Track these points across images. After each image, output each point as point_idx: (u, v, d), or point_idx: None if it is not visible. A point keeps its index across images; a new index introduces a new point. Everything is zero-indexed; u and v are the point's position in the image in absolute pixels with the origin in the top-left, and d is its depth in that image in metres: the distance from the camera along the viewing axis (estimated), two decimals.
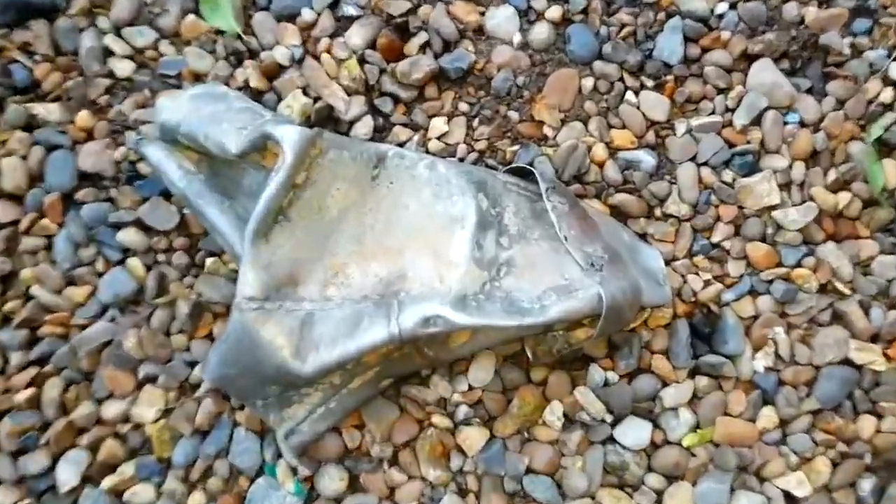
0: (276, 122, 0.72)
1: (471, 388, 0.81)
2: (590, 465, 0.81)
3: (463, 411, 0.81)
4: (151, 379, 0.82)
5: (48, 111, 0.85)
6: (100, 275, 0.83)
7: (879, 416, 0.82)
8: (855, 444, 0.82)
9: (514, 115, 0.86)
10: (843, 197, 0.84)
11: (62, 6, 0.88)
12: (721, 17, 0.88)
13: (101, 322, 0.82)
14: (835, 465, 0.82)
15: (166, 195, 0.83)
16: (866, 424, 0.82)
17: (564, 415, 0.81)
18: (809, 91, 0.87)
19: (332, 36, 0.87)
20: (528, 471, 0.81)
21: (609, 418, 0.80)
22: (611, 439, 0.81)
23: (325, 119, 0.85)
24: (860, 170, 0.84)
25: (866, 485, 0.82)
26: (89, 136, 0.85)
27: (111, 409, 0.82)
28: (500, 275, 0.73)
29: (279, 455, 0.81)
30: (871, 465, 0.82)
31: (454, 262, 0.72)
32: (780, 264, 0.84)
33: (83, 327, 0.82)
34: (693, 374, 0.82)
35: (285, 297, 0.71)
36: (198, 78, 0.86)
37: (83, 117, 0.85)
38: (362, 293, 0.72)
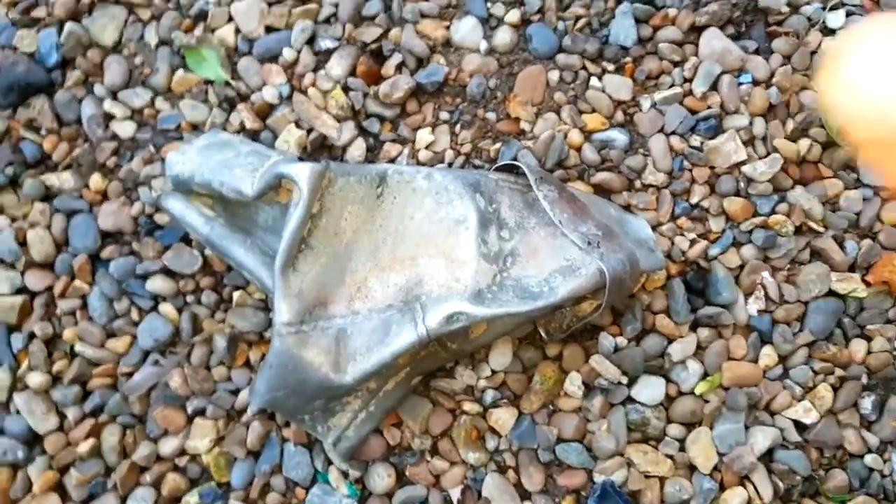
0: (285, 161, 0.77)
1: (493, 372, 0.87)
2: (614, 426, 0.86)
3: (490, 395, 0.86)
4: (200, 412, 0.88)
5: (62, 180, 0.91)
6: (136, 324, 0.89)
7: (869, 339, 0.88)
8: (851, 367, 0.87)
9: (491, 115, 0.91)
10: (804, 144, 0.90)
11: (58, 81, 0.93)
12: None
13: (146, 367, 0.88)
14: (835, 389, 0.87)
15: (186, 240, 0.89)
16: (858, 348, 0.88)
17: (583, 383, 0.86)
18: (757, 52, 0.94)
19: (315, 70, 0.92)
20: (559, 440, 0.86)
21: (625, 380, 0.86)
22: (629, 399, 0.87)
23: (319, 147, 0.91)
24: (815, 116, 0.90)
25: (867, 403, 0.87)
26: (104, 197, 0.91)
27: (168, 446, 0.87)
28: (507, 265, 0.79)
29: (329, 462, 0.87)
30: (869, 384, 0.88)
31: (464, 260, 0.78)
32: (756, 214, 0.89)
33: (129, 375, 0.88)
34: (694, 327, 0.88)
35: (318, 317, 0.77)
36: (196, 127, 0.92)
37: (96, 181, 0.91)
38: (386, 303, 0.78)
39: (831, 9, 0.94)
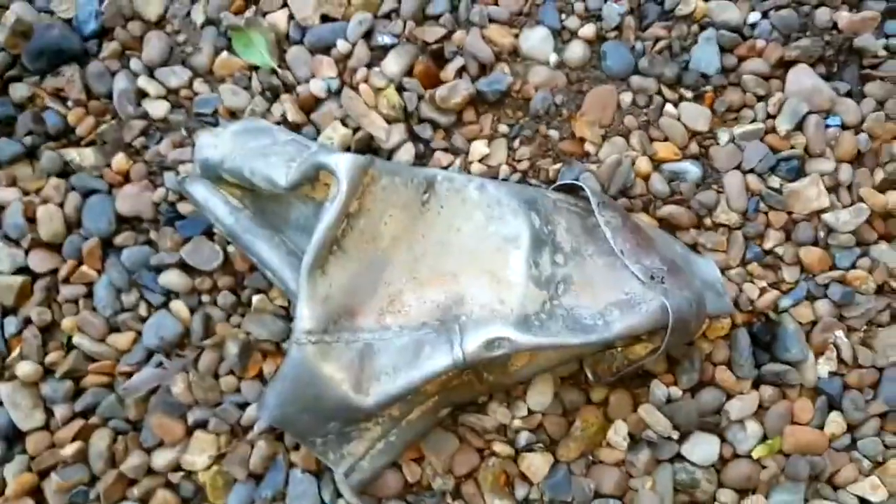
0: (327, 151, 0.71)
1: (530, 412, 0.79)
2: (660, 485, 0.79)
3: (524, 437, 0.78)
4: (201, 424, 0.80)
5: (83, 156, 0.84)
6: (143, 320, 0.81)
7: None
8: None
9: (554, 133, 0.85)
10: (893, 197, 0.83)
11: (93, 51, 0.87)
12: (754, 26, 0.88)
13: (148, 368, 0.80)
14: None
15: (208, 234, 0.82)
16: None
17: (629, 434, 0.79)
18: (848, 94, 0.87)
19: (369, 66, 0.86)
20: (597, 495, 0.79)
21: (675, 435, 0.79)
22: (679, 456, 0.79)
23: (365, 148, 0.84)
24: None
25: None
26: (126, 179, 0.84)
27: (161, 459, 0.79)
28: (559, 293, 0.71)
29: (339, 495, 0.78)
30: None
31: (512, 282, 0.70)
32: (834, 267, 0.83)
33: (129, 375, 0.80)
34: (757, 384, 0.81)
35: (343, 328, 0.69)
36: (234, 115, 0.86)
37: (119, 160, 0.84)
38: (420, 320, 0.71)
39: None
